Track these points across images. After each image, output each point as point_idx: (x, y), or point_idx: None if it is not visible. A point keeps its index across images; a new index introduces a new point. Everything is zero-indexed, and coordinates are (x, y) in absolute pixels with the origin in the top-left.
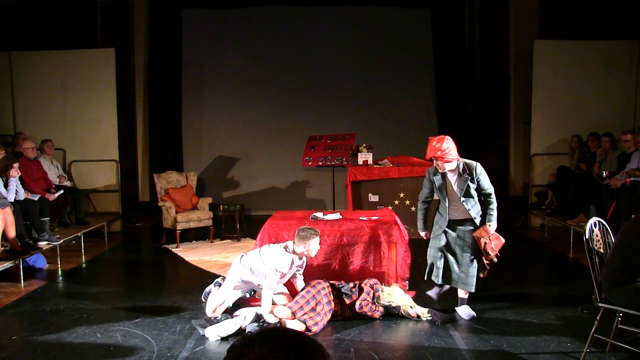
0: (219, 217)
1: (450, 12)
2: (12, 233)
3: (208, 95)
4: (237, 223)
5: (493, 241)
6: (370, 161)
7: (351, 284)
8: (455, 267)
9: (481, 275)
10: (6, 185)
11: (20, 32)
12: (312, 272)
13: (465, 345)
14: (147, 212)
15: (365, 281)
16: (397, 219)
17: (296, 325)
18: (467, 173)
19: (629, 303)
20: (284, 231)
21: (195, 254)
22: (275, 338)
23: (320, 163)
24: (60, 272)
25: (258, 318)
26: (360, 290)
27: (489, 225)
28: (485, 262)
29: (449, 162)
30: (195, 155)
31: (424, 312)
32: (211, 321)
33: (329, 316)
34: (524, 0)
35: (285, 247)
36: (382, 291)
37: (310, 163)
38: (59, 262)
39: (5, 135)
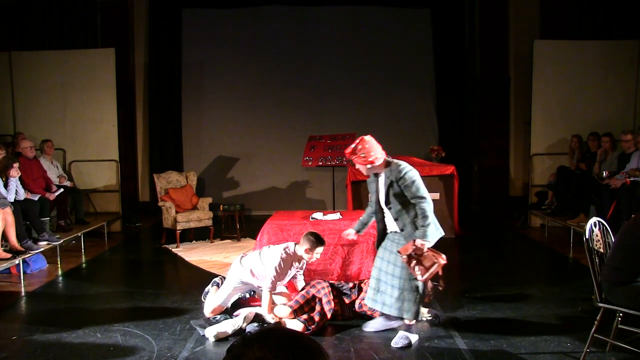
0: (219, 217)
1: (450, 12)
2: (12, 233)
3: (208, 95)
4: (237, 223)
5: (424, 261)
6: None
7: (351, 284)
8: (383, 286)
9: (425, 299)
10: (6, 185)
11: (20, 32)
12: (312, 272)
13: (465, 345)
14: (147, 212)
15: (365, 281)
16: None
17: (296, 325)
18: (391, 175)
19: (629, 303)
20: (284, 231)
21: (195, 254)
22: (274, 338)
23: (320, 163)
24: (60, 272)
25: (258, 318)
26: (360, 290)
27: (416, 241)
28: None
29: (366, 163)
30: (195, 155)
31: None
32: (210, 321)
33: (328, 316)
34: (524, 0)
35: (286, 249)
36: None
37: (310, 163)
38: (59, 262)
39: (5, 135)
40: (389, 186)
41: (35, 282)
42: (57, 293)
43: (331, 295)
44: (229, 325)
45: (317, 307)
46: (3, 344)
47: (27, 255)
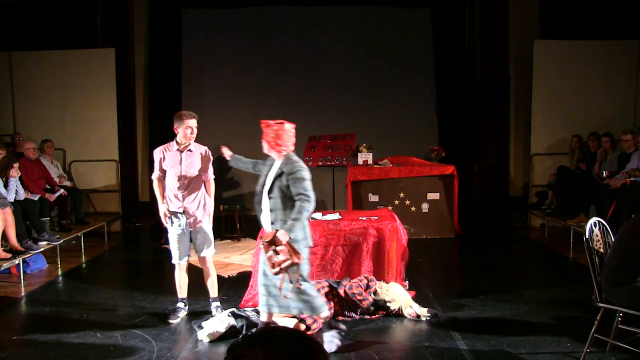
0: (219, 217)
1: (450, 12)
2: (12, 233)
3: (208, 95)
4: (237, 223)
5: (280, 254)
6: (370, 161)
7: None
8: (273, 290)
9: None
10: (6, 185)
11: (20, 32)
12: (313, 272)
13: (465, 345)
14: (147, 212)
15: (368, 276)
16: (397, 218)
17: (296, 325)
18: (284, 167)
19: (629, 303)
20: None
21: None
22: (275, 339)
23: (320, 163)
24: (60, 272)
25: (246, 316)
26: (368, 287)
27: (279, 232)
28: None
29: (271, 145)
30: None
31: (423, 312)
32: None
33: None
34: (524, 0)
35: None
36: (382, 288)
37: (310, 163)
38: (59, 262)
39: (5, 135)
40: (278, 176)
41: (35, 282)
42: (57, 293)
43: (331, 295)
44: (219, 324)
45: None
46: (3, 344)
47: (27, 255)
